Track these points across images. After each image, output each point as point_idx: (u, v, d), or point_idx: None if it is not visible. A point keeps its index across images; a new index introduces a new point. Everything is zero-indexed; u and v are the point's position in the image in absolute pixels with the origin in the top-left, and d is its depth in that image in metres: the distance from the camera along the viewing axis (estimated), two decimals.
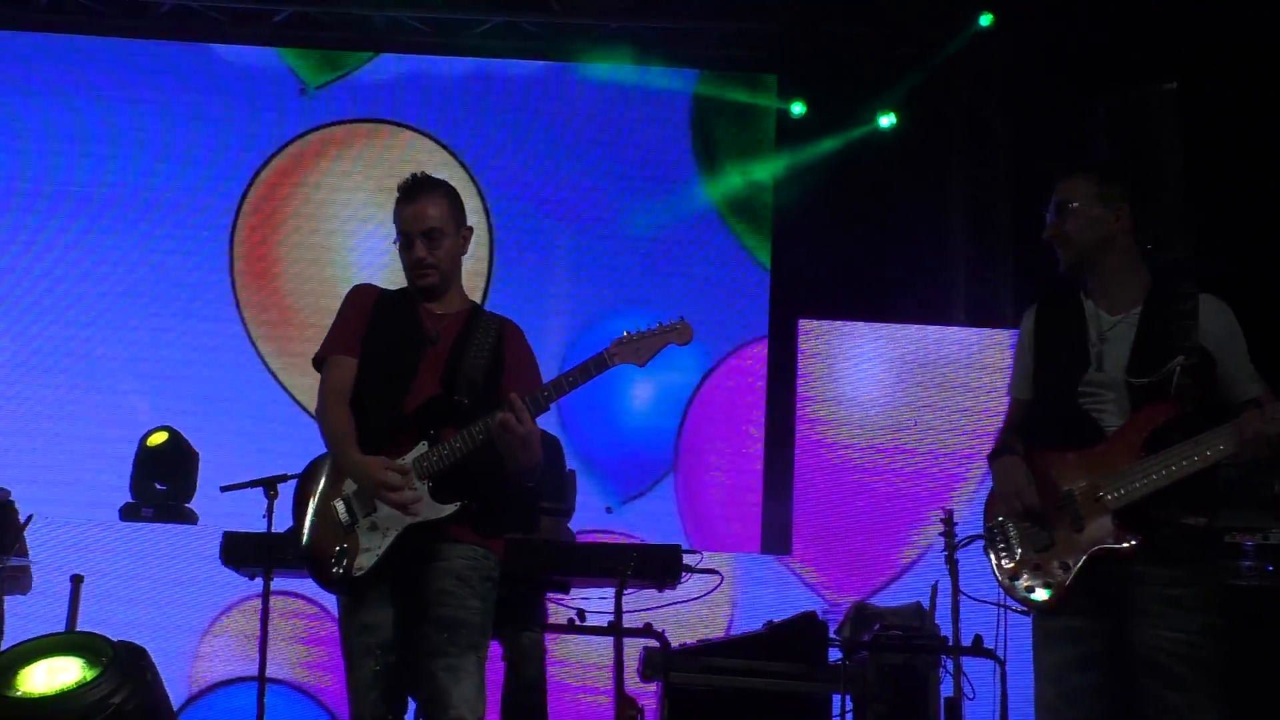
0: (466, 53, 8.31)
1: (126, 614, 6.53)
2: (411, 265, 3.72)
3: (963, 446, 7.24)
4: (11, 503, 5.73)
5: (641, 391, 7.87)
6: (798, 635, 5.12)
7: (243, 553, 5.20)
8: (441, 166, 8.04)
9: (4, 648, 5.39)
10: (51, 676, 4.53)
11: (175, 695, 6.54)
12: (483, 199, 8.14)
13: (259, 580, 5.02)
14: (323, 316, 7.67)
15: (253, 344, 8.04)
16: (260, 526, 5.34)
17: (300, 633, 6.65)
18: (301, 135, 8.26)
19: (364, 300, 3.79)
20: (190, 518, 6.83)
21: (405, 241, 3.73)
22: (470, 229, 3.86)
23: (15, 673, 4.53)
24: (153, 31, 8.21)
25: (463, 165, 8.18)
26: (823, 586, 7.18)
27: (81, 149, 8.12)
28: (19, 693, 4.49)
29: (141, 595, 6.70)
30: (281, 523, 5.24)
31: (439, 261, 3.71)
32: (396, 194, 3.78)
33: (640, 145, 8.26)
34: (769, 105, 8.29)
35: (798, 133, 8.18)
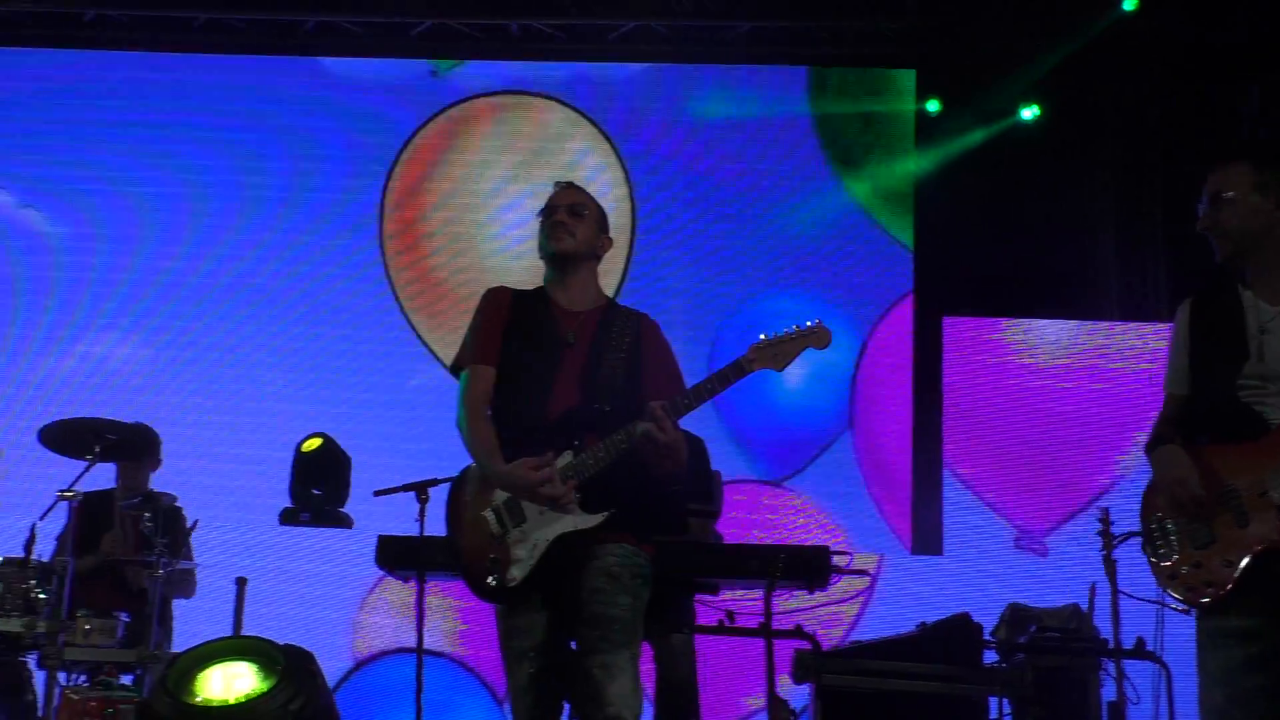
0: (600, 58, 8.36)
1: (288, 613, 6.78)
2: (549, 229, 3.77)
3: (1108, 446, 7.09)
4: (179, 508, 5.93)
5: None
6: (952, 637, 5.04)
7: (397, 556, 5.31)
8: (586, 139, 8.15)
9: (175, 649, 5.61)
10: (228, 683, 4.65)
11: (339, 669, 6.81)
12: (623, 166, 8.13)
13: None
14: (473, 288, 7.86)
15: (405, 316, 8.13)
16: (413, 529, 5.49)
17: (452, 601, 6.77)
18: (441, 112, 8.37)
19: (498, 304, 3.81)
20: (345, 522, 6.98)
21: (547, 214, 3.80)
22: (611, 241, 3.90)
23: (193, 678, 4.66)
24: (295, 49, 8.44)
25: (606, 138, 8.19)
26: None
27: (226, 158, 8.33)
28: (199, 699, 4.63)
29: (301, 596, 6.94)
30: (433, 526, 5.37)
31: (577, 232, 3.76)
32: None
33: (770, 142, 8.20)
34: (907, 102, 8.18)
35: (937, 129, 8.07)
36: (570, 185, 3.91)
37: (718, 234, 8.13)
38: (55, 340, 8.13)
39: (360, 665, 7.28)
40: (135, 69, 8.43)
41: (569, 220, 3.76)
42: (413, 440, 7.55)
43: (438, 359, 7.92)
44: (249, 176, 8.32)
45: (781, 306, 7.79)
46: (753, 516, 7.51)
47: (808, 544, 5.21)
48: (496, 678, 6.96)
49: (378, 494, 5.83)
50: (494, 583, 3.56)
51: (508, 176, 8.25)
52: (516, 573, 3.55)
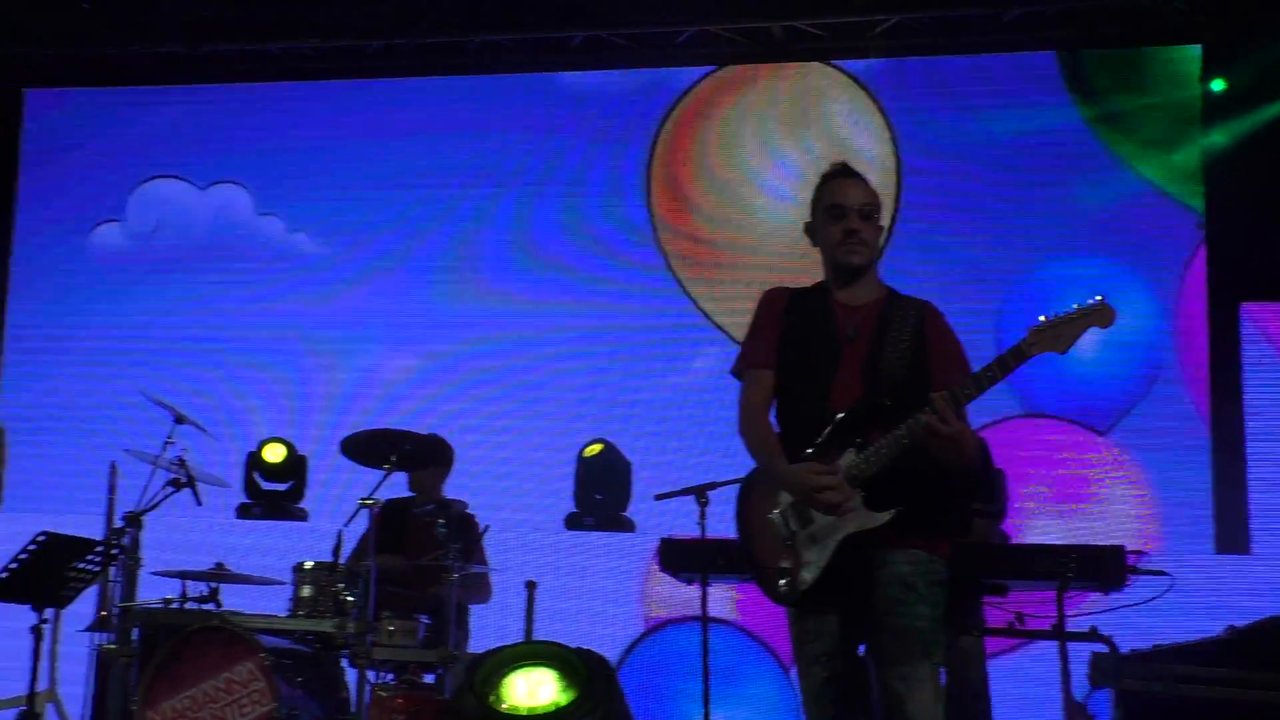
0: (864, 54, 8.24)
1: (574, 614, 6.98)
2: (842, 237, 3.64)
3: None
4: (470, 515, 6.14)
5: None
6: (1266, 640, 4.75)
7: (680, 559, 5.38)
8: (851, 100, 8.08)
9: (472, 650, 5.82)
10: (532, 690, 4.80)
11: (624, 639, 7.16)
12: (890, 125, 7.97)
13: None
14: (743, 254, 7.98)
15: (690, 298, 8.13)
16: (695, 531, 5.56)
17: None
18: (699, 81, 8.40)
19: (775, 306, 3.78)
20: (628, 526, 7.13)
21: (835, 213, 3.66)
22: (882, 227, 3.82)
23: (498, 683, 4.84)
24: (562, 65, 8.60)
25: (870, 97, 8.07)
26: None
27: (489, 175, 8.51)
28: (505, 705, 4.78)
29: (587, 599, 7.13)
30: (713, 528, 5.44)
31: (869, 240, 3.67)
32: (823, 175, 3.78)
33: (1037, 128, 7.90)
34: (1191, 82, 7.72)
35: (1228, 105, 7.61)
36: (852, 175, 3.74)
37: (989, 202, 7.88)
38: (339, 358, 8.41)
39: (649, 632, 7.43)
40: (400, 95, 8.71)
41: (863, 228, 3.66)
42: (693, 442, 7.60)
43: (731, 338, 7.68)
44: (510, 191, 8.47)
45: (1069, 274, 7.47)
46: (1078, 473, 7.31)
47: (1102, 544, 4.99)
48: (779, 642, 6.99)
49: (659, 498, 5.96)
50: (785, 587, 3.56)
51: (774, 139, 8.15)
52: (807, 575, 3.53)
